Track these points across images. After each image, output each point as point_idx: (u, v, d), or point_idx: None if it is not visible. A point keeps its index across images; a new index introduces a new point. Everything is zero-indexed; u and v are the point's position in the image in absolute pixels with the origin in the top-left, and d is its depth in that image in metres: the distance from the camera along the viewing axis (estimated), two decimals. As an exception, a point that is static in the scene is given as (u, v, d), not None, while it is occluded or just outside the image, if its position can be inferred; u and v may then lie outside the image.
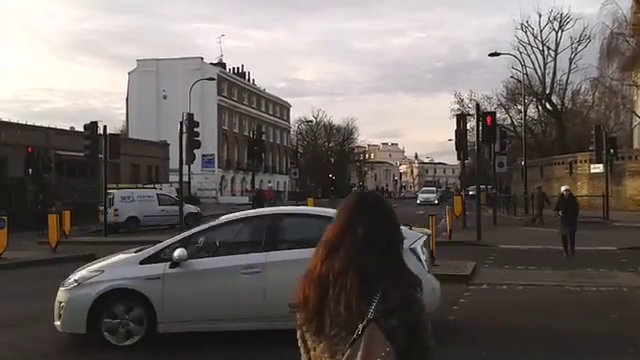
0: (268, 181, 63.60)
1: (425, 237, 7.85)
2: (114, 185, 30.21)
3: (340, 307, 1.74)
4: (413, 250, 7.36)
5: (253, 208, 26.00)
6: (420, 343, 1.77)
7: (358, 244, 1.82)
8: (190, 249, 7.43)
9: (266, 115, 79.87)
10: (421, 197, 61.27)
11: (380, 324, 1.69)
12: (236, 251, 7.72)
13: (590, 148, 35.54)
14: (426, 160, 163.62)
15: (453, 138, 23.76)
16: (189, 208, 28.05)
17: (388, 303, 1.72)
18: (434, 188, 74.21)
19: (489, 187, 38.78)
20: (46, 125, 37.08)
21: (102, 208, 25.69)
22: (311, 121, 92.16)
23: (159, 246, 7.69)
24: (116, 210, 26.43)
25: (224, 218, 8.27)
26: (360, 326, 1.68)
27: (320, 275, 1.81)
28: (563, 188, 16.32)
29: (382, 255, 1.82)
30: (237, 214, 8.65)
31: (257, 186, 44.15)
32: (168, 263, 7.27)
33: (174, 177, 37.41)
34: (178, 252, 7.21)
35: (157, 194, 29.80)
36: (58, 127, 39.11)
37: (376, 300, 1.72)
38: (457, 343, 7.00)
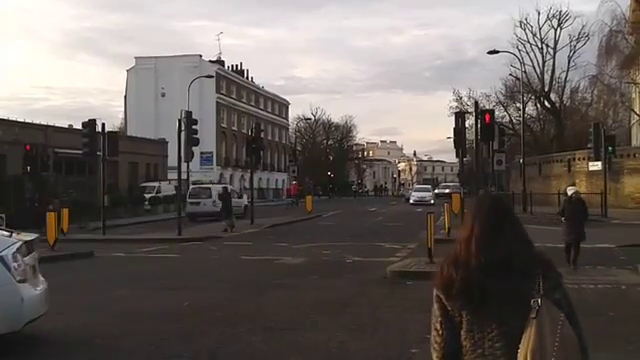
0: (294, 179, 63.68)
1: (19, 244, 7.08)
2: (209, 181, 37.75)
3: (510, 288, 2.17)
4: (1, 258, 6.76)
5: (222, 208, 26.14)
6: (572, 310, 2.24)
7: (509, 238, 2.26)
8: None
9: (265, 113, 79.78)
10: (415, 196, 53.36)
11: (549, 297, 2.16)
12: None
13: (588, 146, 35.61)
14: (425, 158, 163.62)
15: (452, 136, 23.75)
16: (244, 201, 35.25)
17: (550, 281, 2.20)
18: (429, 186, 65.71)
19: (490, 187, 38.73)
20: (44, 123, 36.94)
21: (194, 200, 33.81)
22: (310, 119, 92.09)
23: None
24: (215, 202, 31.49)
25: None
26: (538, 300, 2.13)
27: (480, 265, 2.21)
28: (570, 190, 14.18)
29: (524, 244, 2.29)
30: None
31: (256, 184, 44.14)
32: None
33: (173, 175, 37.36)
34: None
35: (230, 189, 35.37)
36: (56, 125, 39.00)
37: (540, 280, 2.17)
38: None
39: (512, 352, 2.13)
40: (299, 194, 52.64)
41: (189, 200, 34.26)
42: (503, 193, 42.70)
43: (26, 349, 7.25)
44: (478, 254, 2.23)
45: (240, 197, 36.43)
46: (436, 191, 60.76)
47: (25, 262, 7.08)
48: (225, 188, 29.11)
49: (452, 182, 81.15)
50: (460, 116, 24.13)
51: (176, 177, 26.57)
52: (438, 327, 2.32)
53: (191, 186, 36.07)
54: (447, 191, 60.10)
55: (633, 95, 41.94)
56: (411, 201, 51.76)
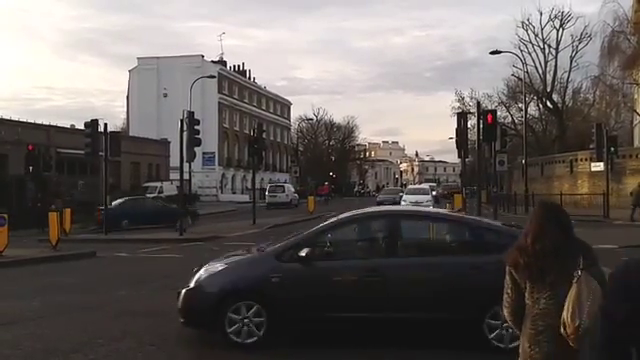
0: (325, 182, 63.97)
1: None
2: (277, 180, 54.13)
3: (559, 266, 3.12)
4: None
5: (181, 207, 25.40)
6: (604, 280, 2.94)
7: (554, 232, 3.20)
8: None
9: (267, 113, 79.82)
10: (407, 200, 36.33)
11: (587, 271, 3.03)
12: None
13: (591, 146, 35.50)
14: (426, 158, 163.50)
15: (454, 136, 23.74)
16: (296, 196, 49.76)
17: (588, 260, 3.12)
18: (427, 186, 47.75)
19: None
20: (47, 123, 37.00)
21: (272, 194, 47.14)
22: (312, 119, 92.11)
23: None
24: (287, 195, 47.90)
25: None
26: (578, 272, 3.02)
27: (535, 251, 3.18)
28: None
29: (567, 236, 3.24)
30: None
31: (257, 184, 44.25)
32: None
33: (175, 175, 37.36)
34: None
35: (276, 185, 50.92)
36: (59, 125, 39.06)
37: (581, 260, 3.07)
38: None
39: (559, 307, 3.03)
40: (330, 193, 62.53)
41: (268, 194, 47.31)
42: (503, 193, 42.68)
43: (28, 349, 7.25)
44: (533, 244, 3.20)
45: (295, 192, 51.17)
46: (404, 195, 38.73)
47: None
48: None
49: (428, 183, 71.92)
50: (462, 116, 24.14)
51: (178, 177, 26.55)
52: (509, 291, 3.31)
53: (268, 184, 52.24)
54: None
55: (635, 96, 41.83)
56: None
